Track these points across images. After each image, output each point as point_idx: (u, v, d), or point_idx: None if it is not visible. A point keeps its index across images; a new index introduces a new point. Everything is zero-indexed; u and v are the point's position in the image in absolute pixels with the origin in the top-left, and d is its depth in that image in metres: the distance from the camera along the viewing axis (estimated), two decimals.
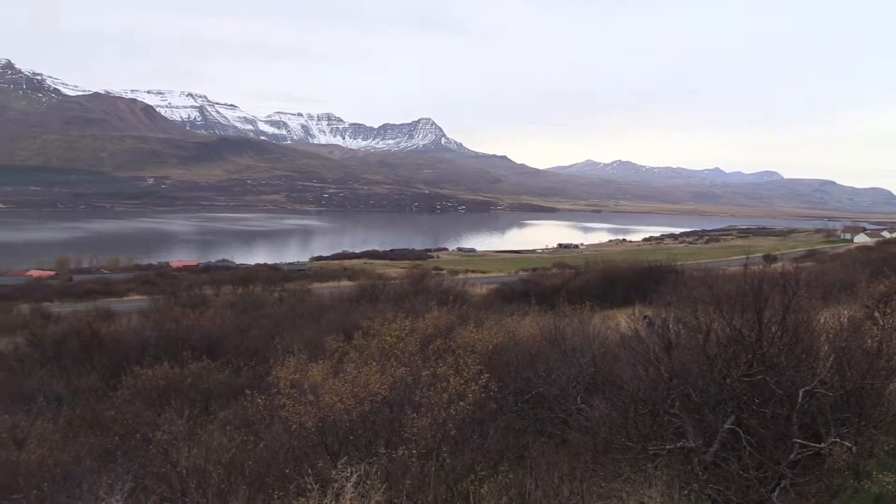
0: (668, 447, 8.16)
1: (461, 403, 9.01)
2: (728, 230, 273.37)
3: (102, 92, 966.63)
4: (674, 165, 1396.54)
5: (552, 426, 10.54)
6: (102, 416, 12.44)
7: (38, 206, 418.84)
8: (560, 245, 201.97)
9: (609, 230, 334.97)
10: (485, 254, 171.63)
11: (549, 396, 11.10)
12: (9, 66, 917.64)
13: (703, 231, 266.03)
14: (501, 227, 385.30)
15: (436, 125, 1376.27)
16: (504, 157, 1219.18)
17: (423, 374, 10.36)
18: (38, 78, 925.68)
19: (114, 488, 7.68)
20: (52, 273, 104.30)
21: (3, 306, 33.93)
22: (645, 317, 14.69)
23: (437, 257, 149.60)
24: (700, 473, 7.73)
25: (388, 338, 12.90)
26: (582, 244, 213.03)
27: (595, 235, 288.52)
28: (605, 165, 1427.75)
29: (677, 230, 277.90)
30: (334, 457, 8.46)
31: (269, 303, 30.82)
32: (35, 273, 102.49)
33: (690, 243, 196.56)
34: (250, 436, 9.91)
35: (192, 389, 13.26)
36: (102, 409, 12.93)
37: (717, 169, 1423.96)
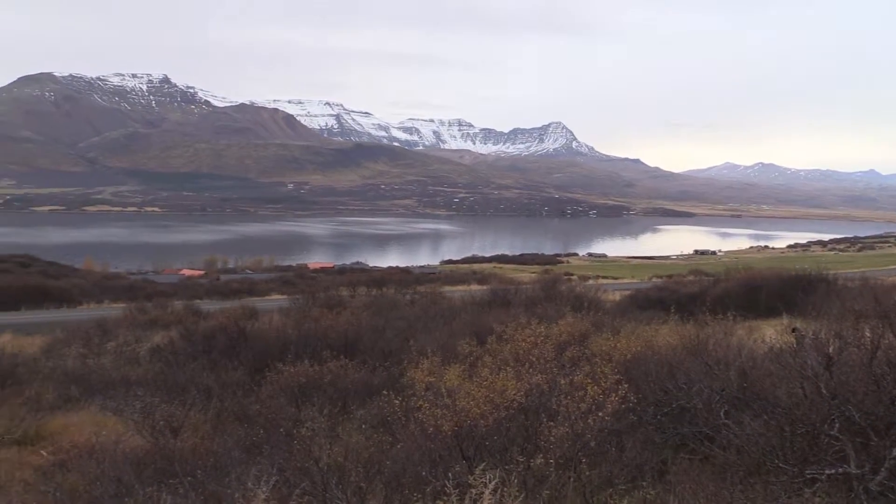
0: (827, 472, 7.55)
1: (599, 414, 8.74)
2: (885, 237, 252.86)
3: (248, 103, 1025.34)
4: (822, 167, 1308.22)
5: (694, 441, 10.05)
6: (248, 409, 13.05)
7: (189, 210, 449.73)
8: (696, 251, 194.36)
9: (750, 236, 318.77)
10: (616, 259, 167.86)
11: (690, 410, 10.59)
12: (166, 80, 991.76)
13: (856, 238, 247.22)
14: (634, 232, 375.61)
15: (567, 129, 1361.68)
16: (637, 161, 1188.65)
17: (560, 381, 10.14)
18: (191, 91, 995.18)
19: (260, 480, 7.98)
20: (202, 272, 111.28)
21: (160, 302, 36.38)
22: (794, 329, 13.77)
23: (568, 262, 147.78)
24: (865, 502, 7.10)
25: (523, 343, 12.75)
26: (720, 250, 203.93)
27: (734, 241, 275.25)
28: (746, 168, 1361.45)
29: (826, 236, 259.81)
30: (470, 461, 8.42)
31: (401, 305, 31.42)
32: (187, 272, 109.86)
33: (841, 251, 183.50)
34: (387, 436, 10.06)
35: (330, 387, 13.65)
36: (248, 403, 13.56)
37: (872, 171, 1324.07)
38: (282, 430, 10.64)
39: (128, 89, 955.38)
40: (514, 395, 9.35)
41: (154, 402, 13.07)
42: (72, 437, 12.93)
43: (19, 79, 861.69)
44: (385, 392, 11.01)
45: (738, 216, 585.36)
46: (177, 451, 9.87)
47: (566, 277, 51.94)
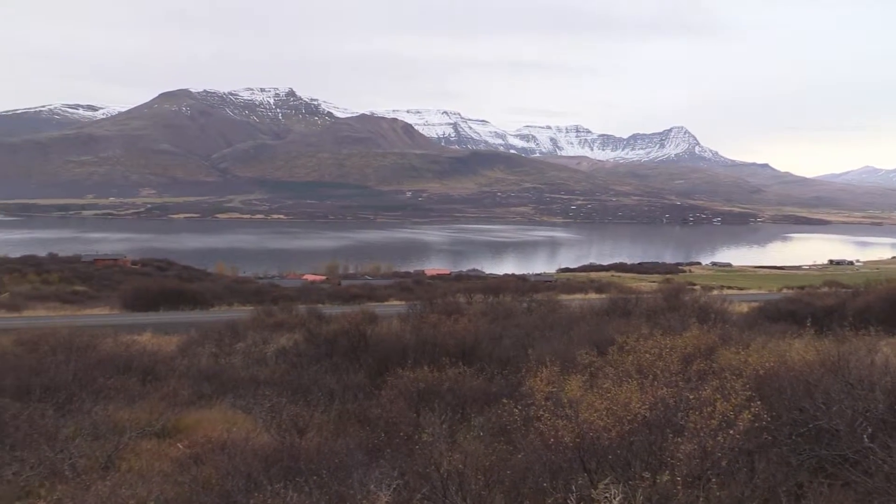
0: None
1: (730, 432, 8.30)
2: None
3: (368, 113, 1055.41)
4: None
5: (833, 465, 9.39)
6: (369, 412, 13.29)
7: (312, 218, 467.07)
8: (831, 261, 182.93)
9: (892, 245, 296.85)
10: (742, 269, 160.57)
11: (830, 431, 9.90)
12: (291, 93, 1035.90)
13: None
14: (761, 241, 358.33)
15: (689, 133, 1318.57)
16: (765, 165, 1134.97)
17: (687, 395, 9.73)
18: (315, 103, 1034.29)
19: (381, 483, 8.08)
20: (324, 277, 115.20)
21: (285, 306, 37.74)
22: None
23: (690, 271, 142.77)
24: None
25: (647, 355, 12.34)
26: (858, 261, 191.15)
27: (874, 251, 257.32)
28: (889, 172, 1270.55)
29: None
30: (592, 475, 8.21)
31: (518, 313, 31.22)
32: (309, 277, 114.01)
33: None
34: (506, 444, 9.97)
35: (449, 394, 13.69)
36: (369, 406, 13.82)
37: None
38: (402, 434, 10.76)
39: (257, 103, 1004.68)
40: (639, 408, 9.04)
41: (281, 402, 13.54)
42: (205, 432, 13.59)
43: (159, 95, 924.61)
44: (504, 401, 10.93)
45: (879, 224, 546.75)
46: (302, 450, 10.15)
47: (689, 287, 50.07)
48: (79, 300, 63.32)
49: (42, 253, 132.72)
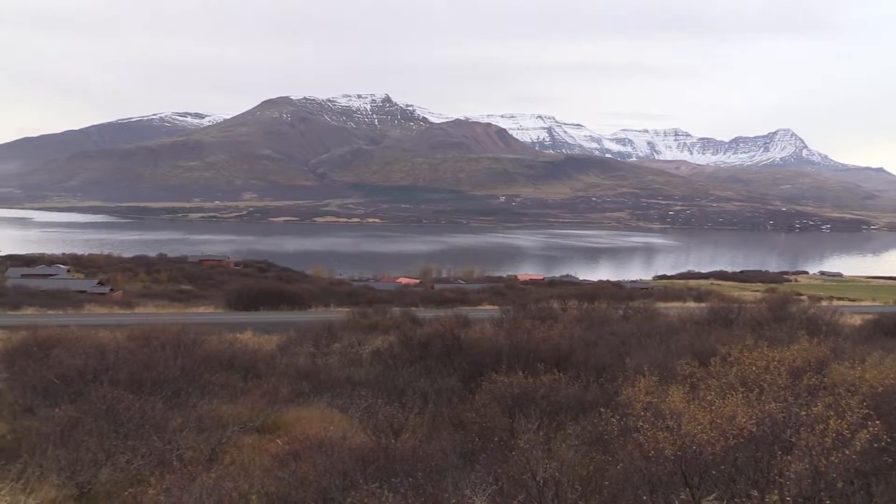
0: None
1: (846, 451, 7.82)
2: None
3: (462, 118, 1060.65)
4: None
5: None
6: (463, 416, 13.29)
7: (406, 222, 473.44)
8: None
9: None
10: (854, 279, 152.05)
11: None
12: (387, 100, 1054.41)
13: None
14: (875, 250, 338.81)
15: (796, 136, 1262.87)
16: (880, 170, 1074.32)
17: (797, 411, 9.23)
18: (410, 109, 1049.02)
19: (477, 488, 8.03)
20: (417, 281, 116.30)
21: (380, 308, 38.34)
22: None
23: (796, 281, 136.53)
24: None
25: (753, 367, 11.81)
26: None
27: None
28: None
29: None
30: (694, 490, 7.91)
31: (614, 320, 30.61)
32: (403, 280, 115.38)
33: None
34: (603, 454, 9.75)
35: (543, 400, 13.54)
36: (463, 410, 13.82)
37: None
38: (496, 439, 10.69)
39: (353, 109, 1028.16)
40: (745, 422, 8.64)
41: (377, 403, 13.71)
42: (303, 430, 13.93)
43: (262, 103, 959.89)
44: (602, 409, 10.69)
45: None
46: (398, 451, 10.24)
47: (795, 297, 47.82)
48: (185, 299, 66.41)
49: (152, 253, 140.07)
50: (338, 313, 40.78)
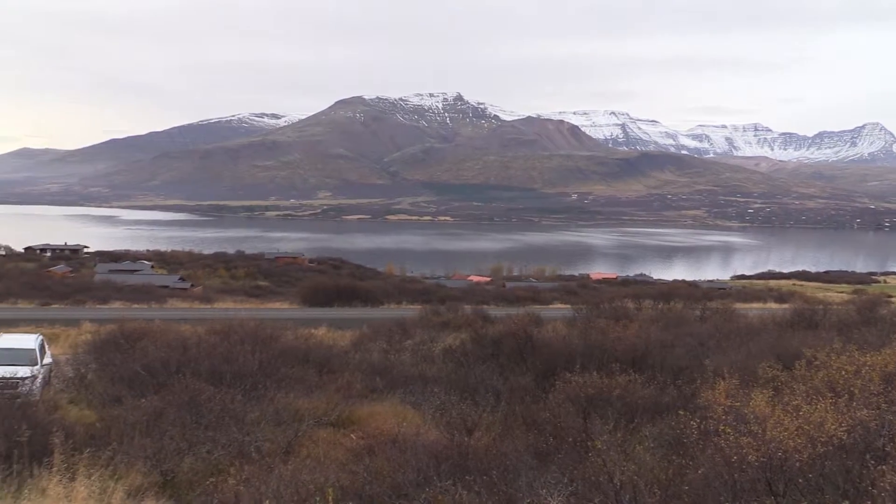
0: None
1: None
2: None
3: (534, 116, 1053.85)
4: None
5: None
6: (537, 415, 13.17)
7: (477, 220, 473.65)
8: None
9: None
10: None
11: None
12: (459, 98, 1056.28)
13: None
14: None
15: (885, 130, 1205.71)
16: None
17: (890, 419, 8.78)
18: (482, 107, 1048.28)
19: (552, 488, 7.93)
20: (489, 279, 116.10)
21: (452, 306, 38.47)
22: None
23: (884, 282, 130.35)
24: None
25: (843, 372, 11.29)
26: None
27: None
28: None
29: None
30: (779, 498, 7.62)
31: (690, 320, 29.88)
32: (474, 278, 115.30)
33: None
34: (681, 458, 9.48)
35: (618, 401, 13.29)
36: (536, 409, 13.70)
37: None
38: (570, 439, 10.54)
39: (425, 108, 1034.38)
40: (834, 429, 8.27)
41: (451, 400, 13.73)
42: (377, 425, 14.09)
43: (335, 103, 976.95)
44: (681, 412, 10.41)
45: None
46: (471, 449, 10.22)
47: (886, 299, 45.66)
48: (262, 294, 68.20)
49: (231, 250, 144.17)
50: (410, 310, 41.11)
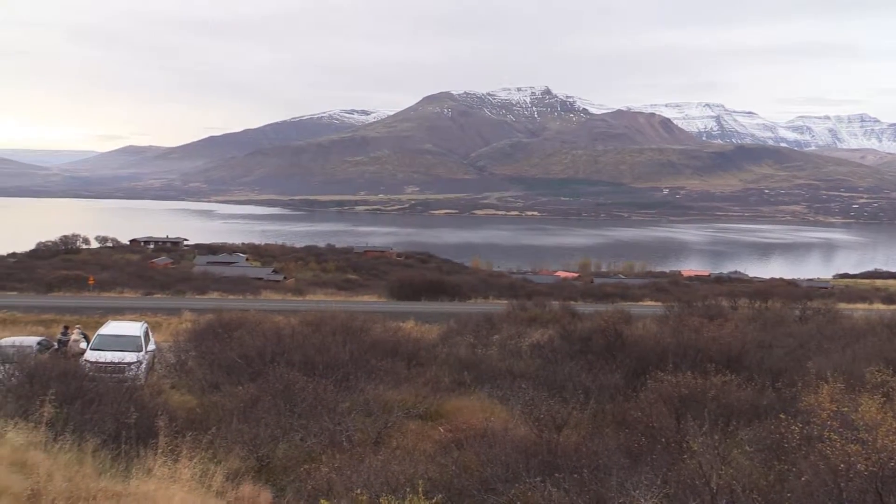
0: None
1: None
2: None
3: (624, 108, 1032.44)
4: None
5: None
6: (628, 414, 12.91)
7: (565, 215, 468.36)
8: None
9: None
10: None
11: None
12: (547, 91, 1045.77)
13: None
14: None
15: None
16: None
17: None
18: (570, 100, 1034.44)
19: (645, 490, 7.76)
20: (576, 275, 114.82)
21: (539, 301, 38.17)
22: None
23: None
24: None
25: None
26: None
27: None
28: None
29: None
30: None
31: (789, 321, 28.64)
32: (562, 274, 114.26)
33: None
34: (783, 464, 9.09)
35: (713, 402, 12.87)
36: (628, 408, 13.43)
37: None
38: (663, 440, 10.28)
39: (513, 102, 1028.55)
40: None
41: (540, 397, 13.63)
42: (465, 418, 14.14)
43: (423, 99, 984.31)
44: (781, 416, 9.99)
45: None
46: (560, 446, 10.12)
47: None
48: (351, 287, 69.57)
49: (321, 244, 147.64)
50: (496, 305, 41.03)
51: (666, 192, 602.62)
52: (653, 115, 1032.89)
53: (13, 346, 17.98)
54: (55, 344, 21.71)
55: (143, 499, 8.81)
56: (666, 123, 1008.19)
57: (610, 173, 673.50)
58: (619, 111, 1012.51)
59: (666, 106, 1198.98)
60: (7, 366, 14.32)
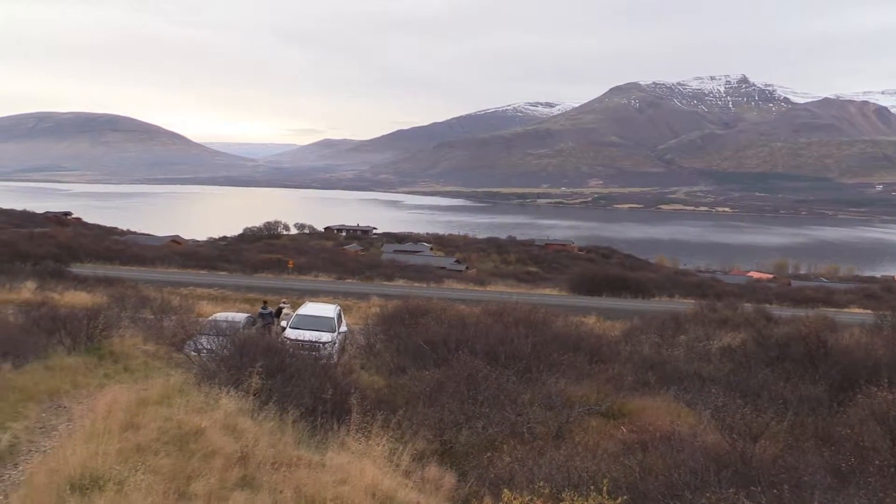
0: None
1: None
2: None
3: (832, 97, 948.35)
4: None
5: None
6: (833, 430, 11.89)
7: (760, 211, 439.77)
8: None
9: None
10: None
11: None
12: (743, 80, 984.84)
13: None
14: None
15: None
16: None
17: None
18: (770, 89, 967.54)
19: None
20: (771, 276, 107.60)
21: (730, 303, 36.24)
22: None
23: None
24: None
25: None
26: None
27: None
28: None
29: None
30: None
31: None
32: (755, 274, 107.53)
33: None
34: None
35: None
36: (833, 424, 12.37)
37: None
38: (877, 462, 9.35)
39: (705, 92, 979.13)
40: None
41: (733, 404, 12.91)
42: (649, 420, 13.67)
43: (609, 90, 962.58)
44: None
45: None
46: (756, 458, 9.51)
47: None
48: (531, 280, 69.72)
49: (502, 236, 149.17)
50: (682, 304, 39.44)
51: (880, 188, 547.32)
52: (866, 103, 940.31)
53: (226, 321, 19.74)
54: (258, 319, 23.63)
55: (338, 470, 9.39)
56: (881, 113, 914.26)
57: (813, 167, 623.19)
58: (826, 99, 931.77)
59: (882, 93, 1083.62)
60: (221, 339, 15.72)
